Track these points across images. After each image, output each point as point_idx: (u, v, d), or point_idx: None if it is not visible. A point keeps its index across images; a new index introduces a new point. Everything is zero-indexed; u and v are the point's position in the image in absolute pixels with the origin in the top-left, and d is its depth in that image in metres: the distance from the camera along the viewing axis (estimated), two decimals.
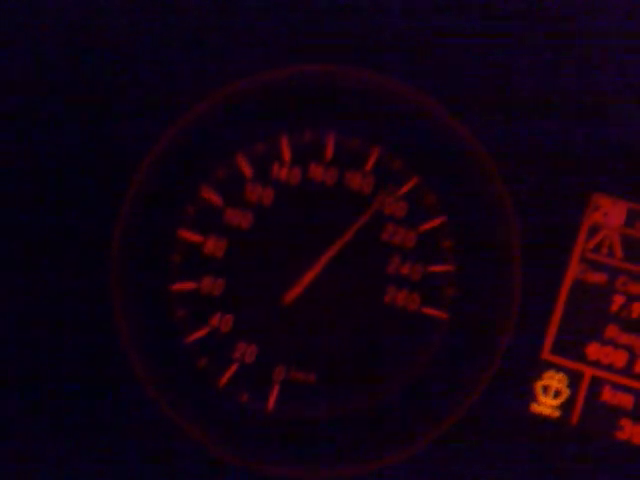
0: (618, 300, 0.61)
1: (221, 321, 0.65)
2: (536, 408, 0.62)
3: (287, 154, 0.65)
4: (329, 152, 0.65)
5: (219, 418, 0.64)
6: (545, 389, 0.62)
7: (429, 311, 0.64)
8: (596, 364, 0.61)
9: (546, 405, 0.62)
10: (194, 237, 0.65)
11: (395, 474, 0.61)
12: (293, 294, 0.63)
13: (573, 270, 0.61)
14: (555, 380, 0.62)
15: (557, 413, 0.62)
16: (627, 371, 0.61)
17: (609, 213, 0.62)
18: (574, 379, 0.61)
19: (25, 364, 0.62)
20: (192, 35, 0.62)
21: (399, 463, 0.61)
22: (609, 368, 0.61)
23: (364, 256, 0.64)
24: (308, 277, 0.63)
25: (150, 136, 0.62)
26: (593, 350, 0.61)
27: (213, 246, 0.65)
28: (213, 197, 0.65)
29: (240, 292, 0.64)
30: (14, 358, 0.62)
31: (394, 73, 0.62)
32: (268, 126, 0.65)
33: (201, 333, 0.64)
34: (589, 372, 0.61)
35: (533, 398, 0.62)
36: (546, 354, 0.62)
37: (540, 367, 0.62)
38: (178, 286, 0.64)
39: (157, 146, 0.62)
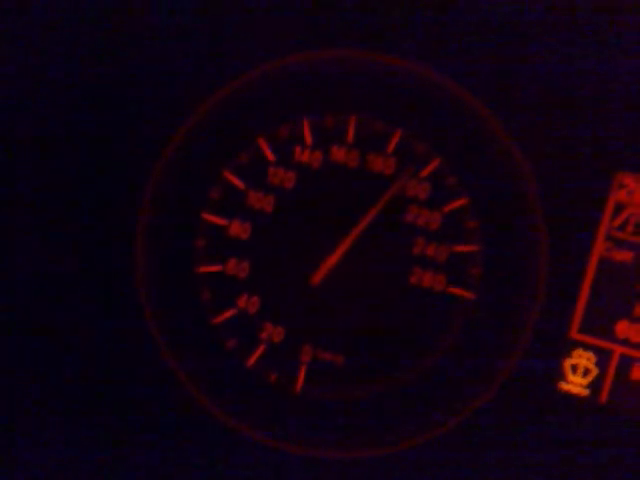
0: None
1: (248, 302, 0.65)
2: (565, 387, 0.62)
3: (309, 137, 0.65)
4: (350, 135, 0.65)
5: (247, 398, 0.64)
6: (574, 368, 0.61)
7: (455, 291, 0.64)
8: (625, 342, 0.61)
9: (575, 384, 0.61)
10: (218, 220, 0.65)
11: (423, 454, 0.61)
12: (320, 275, 0.63)
13: (599, 248, 0.61)
14: (584, 359, 0.61)
15: (586, 392, 0.61)
16: None
17: (634, 191, 0.61)
18: (603, 357, 0.61)
19: (52, 348, 0.62)
20: (213, 21, 0.62)
21: (427, 443, 0.61)
22: (638, 346, 0.61)
23: (389, 238, 0.64)
24: (333, 259, 0.63)
25: (173, 122, 0.62)
26: (622, 328, 0.61)
27: (237, 229, 0.65)
28: (236, 181, 0.65)
29: (266, 274, 0.65)
30: (42, 345, 0.62)
31: (413, 55, 0.62)
32: (289, 110, 0.65)
33: (228, 314, 0.65)
34: (618, 350, 0.61)
35: (562, 377, 0.62)
36: (574, 333, 0.61)
37: (569, 346, 0.61)
38: (204, 269, 0.65)
39: (180, 132, 0.62)
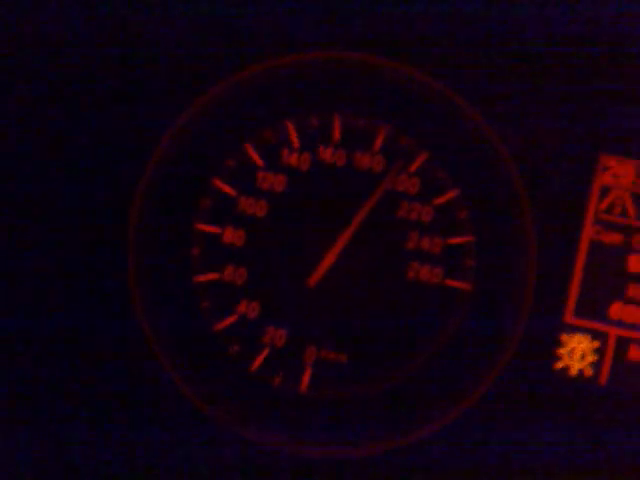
0: (635, 258, 0.62)
1: (248, 308, 0.65)
2: (564, 371, 0.62)
3: (295, 139, 0.65)
4: (336, 134, 0.65)
5: (252, 402, 0.65)
6: (571, 352, 0.62)
7: (452, 283, 0.65)
8: (620, 324, 0.62)
9: (574, 368, 0.62)
10: (211, 229, 0.65)
11: (429, 446, 0.62)
12: (317, 277, 0.64)
13: (588, 232, 0.62)
14: (580, 342, 0.62)
15: (585, 375, 0.62)
16: None
17: (618, 173, 0.62)
18: (600, 340, 0.62)
19: (56, 365, 0.62)
20: (193, 27, 0.62)
21: (433, 435, 0.62)
22: (633, 327, 0.62)
23: (383, 234, 0.64)
24: (329, 259, 0.63)
25: (156, 133, 0.62)
26: (616, 310, 0.62)
27: (231, 236, 0.65)
28: (226, 188, 0.65)
29: (263, 279, 0.65)
30: (45, 358, 0.62)
31: (393, 53, 0.62)
32: (273, 113, 0.65)
33: (229, 321, 0.65)
34: (614, 332, 0.62)
35: (560, 361, 0.62)
36: (569, 317, 0.62)
37: (565, 330, 0.62)
38: (201, 278, 0.65)
39: (163, 143, 0.63)
